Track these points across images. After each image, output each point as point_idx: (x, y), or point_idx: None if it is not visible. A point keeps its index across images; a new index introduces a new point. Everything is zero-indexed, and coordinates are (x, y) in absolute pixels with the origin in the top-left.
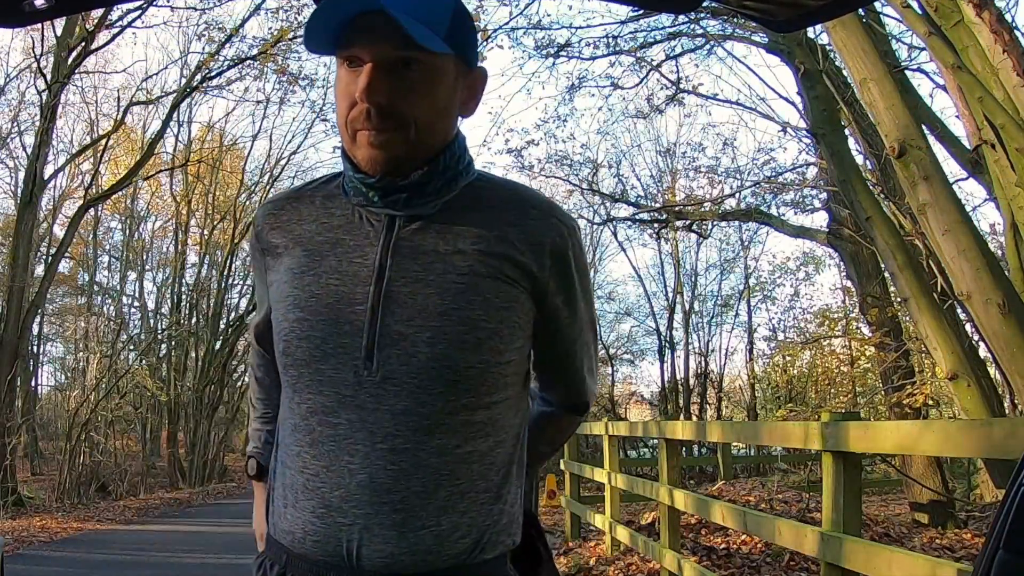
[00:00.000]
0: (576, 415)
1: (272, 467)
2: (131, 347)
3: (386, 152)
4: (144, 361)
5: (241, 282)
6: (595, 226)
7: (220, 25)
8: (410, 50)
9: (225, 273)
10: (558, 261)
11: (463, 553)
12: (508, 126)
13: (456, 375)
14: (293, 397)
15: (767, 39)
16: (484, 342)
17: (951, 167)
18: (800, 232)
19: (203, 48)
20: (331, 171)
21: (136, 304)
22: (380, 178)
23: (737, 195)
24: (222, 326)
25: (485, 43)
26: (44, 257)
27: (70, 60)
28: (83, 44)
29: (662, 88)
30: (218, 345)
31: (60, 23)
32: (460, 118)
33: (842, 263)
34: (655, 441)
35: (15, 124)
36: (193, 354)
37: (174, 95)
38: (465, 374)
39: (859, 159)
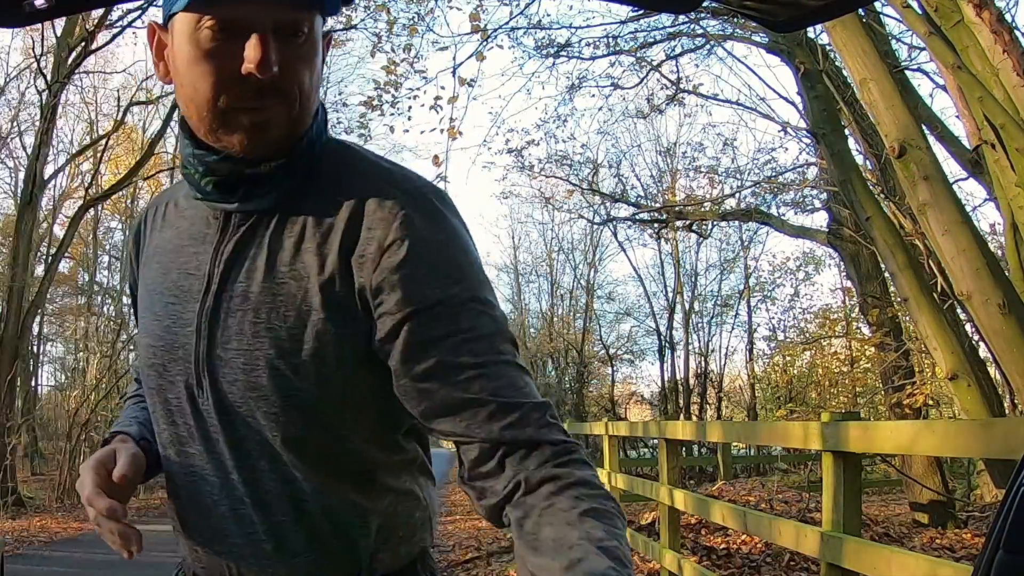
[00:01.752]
0: (560, 471)
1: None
2: (131, 347)
3: (268, 133)
4: None
5: None
6: (595, 226)
7: None
8: (304, 13)
9: None
10: (398, 262)
11: (354, 572)
12: (508, 126)
13: (273, 406)
14: (156, 424)
15: (767, 39)
16: (303, 366)
17: (951, 167)
18: (800, 232)
19: None
20: None
21: None
22: (238, 161)
23: (737, 195)
24: None
25: (485, 43)
26: (44, 257)
27: (70, 60)
28: (83, 44)
29: (662, 88)
30: None
31: (60, 23)
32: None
33: (842, 263)
34: (655, 441)
35: (15, 124)
36: None
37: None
38: (283, 404)
39: (859, 159)
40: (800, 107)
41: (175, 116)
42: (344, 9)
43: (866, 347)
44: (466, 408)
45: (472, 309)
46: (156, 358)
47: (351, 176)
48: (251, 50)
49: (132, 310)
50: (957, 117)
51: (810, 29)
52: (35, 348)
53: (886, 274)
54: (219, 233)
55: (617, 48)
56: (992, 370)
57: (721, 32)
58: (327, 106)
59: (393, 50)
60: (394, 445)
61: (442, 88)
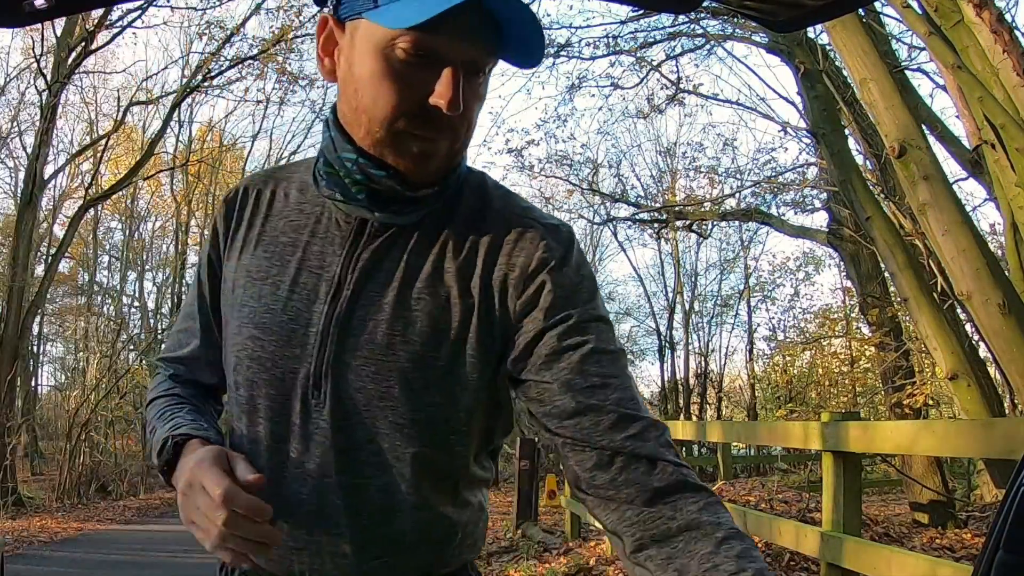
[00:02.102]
0: (687, 485)
1: None
2: (131, 347)
3: (430, 163)
4: (144, 361)
5: None
6: (595, 226)
7: (220, 24)
8: (493, 57)
9: None
10: (542, 275)
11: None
12: (508, 126)
13: (401, 417)
14: (242, 418)
15: (767, 39)
16: (434, 381)
17: (951, 167)
18: (800, 232)
19: (203, 48)
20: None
21: (136, 304)
22: (402, 183)
23: (737, 195)
24: None
25: None
26: (44, 257)
27: (70, 60)
28: (83, 44)
29: (662, 88)
30: None
31: (60, 23)
32: None
33: (842, 263)
34: None
35: (15, 124)
36: None
37: (174, 95)
38: (413, 417)
39: (859, 159)
40: (800, 107)
41: (175, 116)
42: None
43: (866, 347)
44: (590, 413)
45: (602, 328)
46: (264, 352)
47: (490, 204)
48: (443, 85)
49: (200, 284)
50: (957, 117)
51: (810, 29)
52: (35, 348)
53: (886, 274)
54: (352, 238)
55: (617, 48)
56: (992, 370)
57: (721, 32)
58: (327, 106)
59: None
60: (485, 462)
61: None
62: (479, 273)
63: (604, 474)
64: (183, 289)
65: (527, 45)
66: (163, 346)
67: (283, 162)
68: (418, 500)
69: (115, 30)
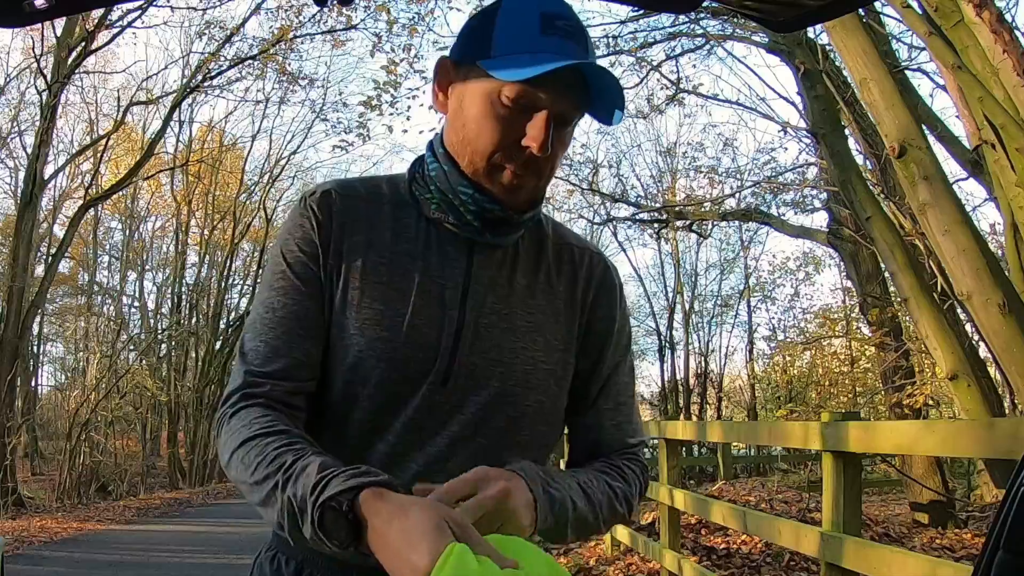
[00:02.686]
0: (626, 462)
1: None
2: (131, 347)
3: (518, 195)
4: (144, 361)
5: (241, 282)
6: (595, 226)
7: (221, 24)
8: (580, 111)
9: (225, 273)
10: (609, 300)
11: None
12: None
13: (517, 411)
14: (350, 412)
15: (767, 39)
16: (543, 382)
17: (951, 167)
18: (800, 232)
19: (203, 48)
20: (373, 173)
21: (136, 304)
22: (499, 206)
23: (737, 195)
24: (222, 326)
25: None
26: (44, 257)
27: (70, 60)
28: (83, 44)
29: (662, 88)
30: (218, 345)
31: (60, 23)
32: None
33: (842, 263)
34: (655, 441)
35: (15, 124)
36: (193, 354)
37: (174, 95)
38: (524, 411)
39: (859, 159)
40: (800, 107)
41: (175, 116)
42: (344, 9)
43: (866, 347)
44: (606, 430)
45: (630, 365)
46: (396, 352)
47: (555, 230)
48: (535, 129)
49: (293, 280)
50: (957, 117)
51: (810, 29)
52: (35, 348)
53: (886, 274)
54: (467, 255)
55: (617, 48)
56: (992, 370)
57: (721, 32)
58: (327, 106)
59: (393, 50)
60: (548, 456)
61: None
62: (572, 289)
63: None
64: (183, 289)
65: (610, 107)
66: (242, 366)
67: (283, 162)
68: None
69: (115, 30)
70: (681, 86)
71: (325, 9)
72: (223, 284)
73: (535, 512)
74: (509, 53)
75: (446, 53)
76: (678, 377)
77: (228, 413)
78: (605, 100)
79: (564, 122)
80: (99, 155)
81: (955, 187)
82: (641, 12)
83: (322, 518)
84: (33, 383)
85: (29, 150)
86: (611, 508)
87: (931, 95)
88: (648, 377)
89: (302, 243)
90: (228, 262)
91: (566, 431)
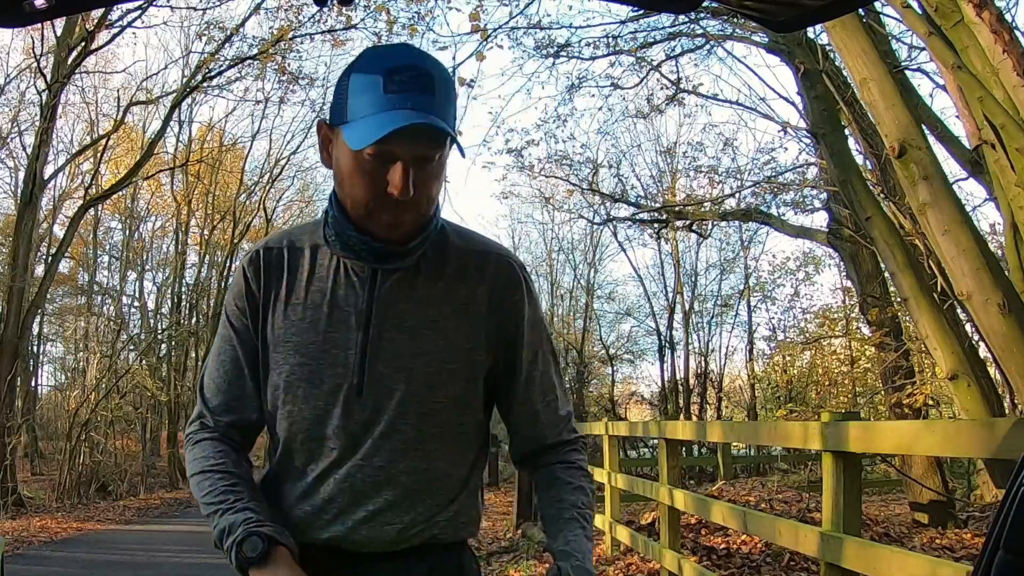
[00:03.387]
0: (564, 459)
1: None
2: (131, 347)
3: (403, 229)
4: (144, 361)
5: None
6: (595, 226)
7: (220, 24)
8: (440, 148)
9: (225, 273)
10: (513, 298)
11: (420, 541)
12: (508, 126)
13: (425, 408)
14: (290, 427)
15: (767, 39)
16: (448, 380)
17: (951, 167)
18: (800, 232)
19: (203, 48)
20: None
21: (136, 304)
22: (386, 243)
23: (737, 195)
24: None
25: (485, 43)
26: (44, 257)
27: (70, 60)
28: (83, 44)
29: (662, 88)
30: None
31: (60, 23)
32: None
33: (842, 263)
34: (655, 441)
35: (15, 124)
36: (193, 354)
37: (174, 95)
38: (433, 407)
39: (859, 159)
40: (800, 107)
41: (175, 116)
42: (344, 9)
43: (866, 347)
44: (540, 422)
45: (548, 353)
46: (312, 372)
47: (472, 245)
48: (395, 178)
49: (235, 331)
50: (957, 117)
51: (810, 29)
52: (35, 348)
53: (886, 274)
54: (370, 281)
55: (617, 48)
56: (992, 370)
57: (721, 32)
58: (327, 106)
59: None
60: (480, 462)
61: None
62: (474, 294)
63: (526, 450)
64: (183, 289)
65: (452, 127)
66: (200, 399)
67: (283, 162)
68: (429, 472)
69: (115, 30)
70: (681, 86)
71: (325, 9)
72: (223, 284)
73: None
74: (360, 116)
75: (324, 117)
76: (678, 377)
77: (192, 439)
78: (451, 128)
79: (425, 160)
80: (99, 155)
81: (955, 187)
82: (641, 12)
83: (232, 554)
84: (33, 383)
85: (29, 150)
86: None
87: (931, 95)
88: (648, 377)
89: (237, 299)
90: (228, 262)
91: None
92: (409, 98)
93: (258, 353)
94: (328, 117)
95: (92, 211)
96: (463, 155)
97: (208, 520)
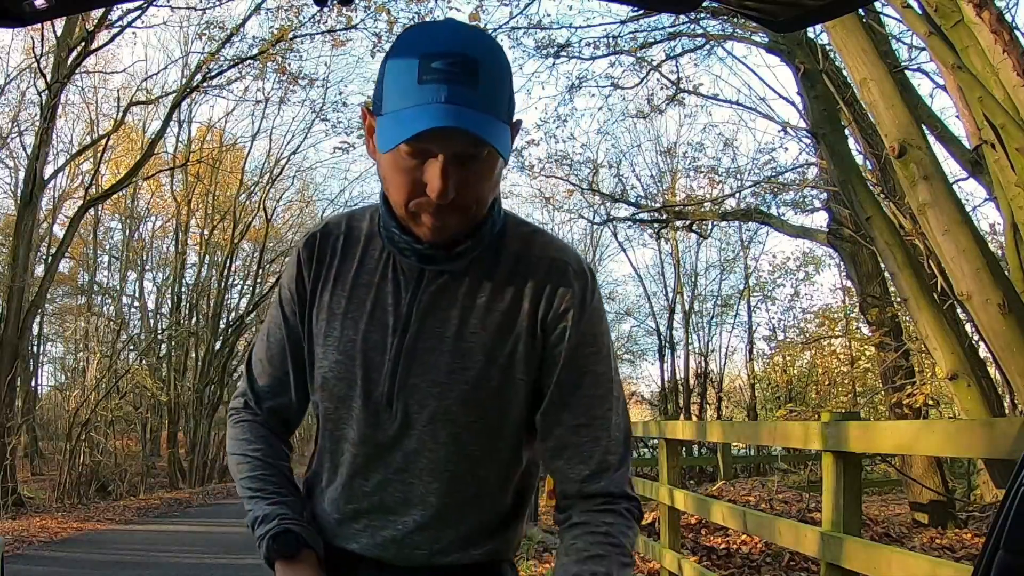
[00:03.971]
0: (611, 513)
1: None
2: (131, 347)
3: (447, 233)
4: (144, 361)
5: (241, 282)
6: (595, 226)
7: (220, 24)
8: (481, 146)
9: (225, 273)
10: (560, 308)
11: (451, 561)
12: None
13: (458, 427)
14: (328, 424)
15: (767, 39)
16: (487, 399)
17: (951, 167)
18: (800, 232)
19: (203, 48)
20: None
21: (136, 304)
22: (427, 247)
23: (737, 195)
24: (222, 326)
25: None
26: (44, 257)
27: (70, 60)
28: (83, 44)
29: (662, 88)
30: (218, 345)
31: (60, 23)
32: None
33: (842, 263)
34: (655, 441)
35: (15, 124)
36: (193, 354)
37: (174, 95)
38: (467, 427)
39: (859, 159)
40: (800, 107)
41: (175, 116)
42: (344, 9)
43: (866, 347)
44: (567, 455)
45: (603, 378)
46: (350, 373)
47: (530, 250)
48: (432, 179)
49: (282, 312)
50: (957, 117)
51: (810, 29)
52: (35, 348)
53: (886, 274)
54: (415, 283)
55: (617, 48)
56: (992, 370)
57: (721, 32)
58: (327, 106)
59: None
60: (520, 472)
61: None
62: (525, 313)
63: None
64: (183, 289)
65: (498, 127)
66: (247, 377)
67: (283, 162)
68: (462, 500)
69: (115, 30)
70: (681, 86)
71: (325, 9)
72: (223, 284)
73: None
74: (393, 109)
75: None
76: (678, 377)
77: (235, 417)
78: (498, 127)
79: (469, 158)
80: (99, 155)
81: (955, 187)
82: (641, 12)
83: (263, 544)
84: (33, 383)
85: (29, 150)
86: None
87: (931, 95)
88: (648, 377)
89: (289, 284)
90: (228, 262)
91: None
92: (445, 89)
93: (303, 343)
94: (371, 103)
95: (92, 211)
96: (504, 159)
97: (244, 503)
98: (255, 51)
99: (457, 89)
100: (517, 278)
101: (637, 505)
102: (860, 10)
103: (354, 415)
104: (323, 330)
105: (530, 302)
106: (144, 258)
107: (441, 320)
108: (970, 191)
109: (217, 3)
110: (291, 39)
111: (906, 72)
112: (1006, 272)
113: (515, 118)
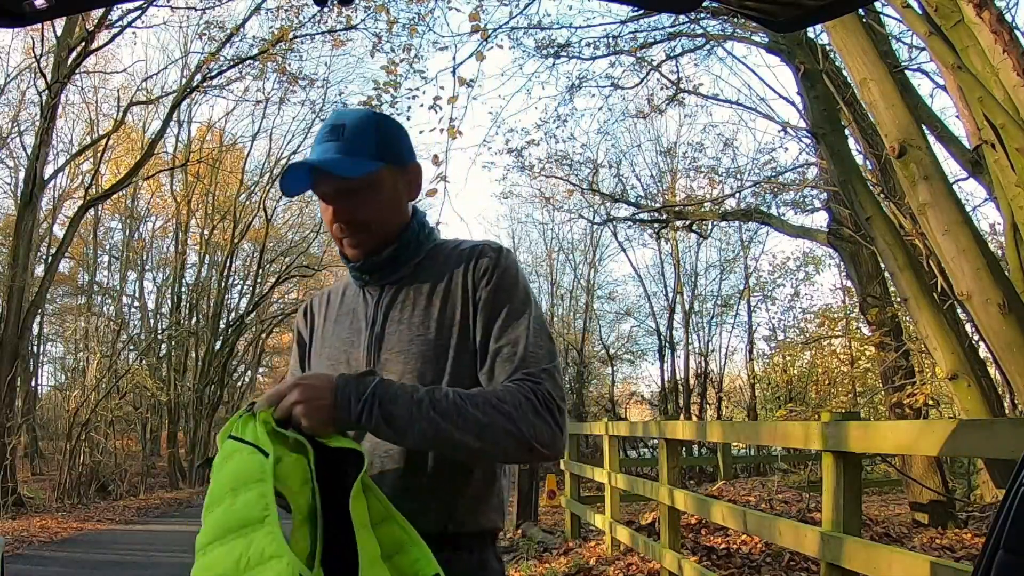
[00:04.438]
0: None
1: None
2: (131, 347)
3: (360, 249)
4: (144, 361)
5: (241, 282)
6: (595, 226)
7: (220, 24)
8: (345, 181)
9: (225, 273)
10: (487, 274)
11: (439, 531)
12: (508, 126)
13: (422, 382)
14: None
15: (767, 39)
16: (441, 355)
17: (951, 167)
18: (800, 232)
19: (203, 48)
20: None
21: (136, 304)
22: (362, 263)
23: (737, 195)
24: (222, 326)
25: (485, 43)
26: (44, 257)
27: (70, 60)
28: (83, 44)
29: (662, 88)
30: (218, 345)
31: (60, 23)
32: (410, 203)
33: (842, 263)
34: (655, 441)
35: (15, 124)
36: (193, 354)
37: (174, 95)
38: (428, 381)
39: (859, 159)
40: (800, 107)
41: (175, 116)
42: (344, 9)
43: (866, 347)
44: (500, 363)
45: (522, 316)
46: (337, 364)
47: (458, 246)
48: (324, 212)
49: (300, 356)
50: (957, 117)
51: (810, 29)
52: (35, 348)
53: (886, 274)
54: (376, 296)
55: (617, 48)
56: (992, 370)
57: (721, 32)
58: (327, 106)
59: (393, 50)
60: None
61: (441, 88)
62: (455, 281)
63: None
64: (183, 289)
65: (349, 165)
66: None
67: (283, 161)
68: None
69: (115, 30)
70: (681, 86)
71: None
72: (223, 284)
73: (334, 397)
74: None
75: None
76: (678, 377)
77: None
78: (347, 163)
79: (347, 192)
80: (99, 155)
81: (955, 187)
82: (641, 12)
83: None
84: (33, 383)
85: (29, 150)
86: (468, 412)
87: (931, 95)
88: (648, 377)
89: (298, 340)
90: (228, 262)
91: None
92: (316, 148)
93: (308, 368)
94: None
95: (92, 211)
96: (404, 164)
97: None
98: (255, 51)
99: (325, 145)
100: (450, 264)
101: (550, 394)
102: (860, 10)
103: None
104: (317, 349)
105: (461, 275)
106: (144, 258)
107: (400, 310)
108: (970, 191)
109: (217, 3)
110: (291, 39)
111: (906, 72)
112: (1006, 272)
113: (413, 161)
